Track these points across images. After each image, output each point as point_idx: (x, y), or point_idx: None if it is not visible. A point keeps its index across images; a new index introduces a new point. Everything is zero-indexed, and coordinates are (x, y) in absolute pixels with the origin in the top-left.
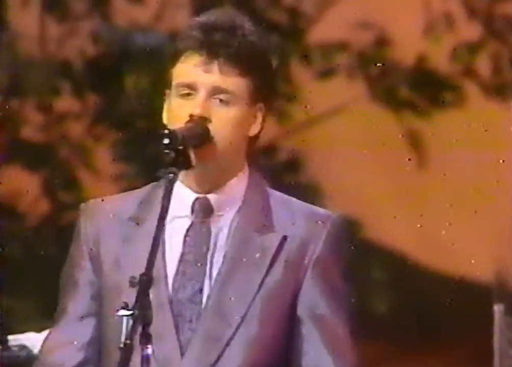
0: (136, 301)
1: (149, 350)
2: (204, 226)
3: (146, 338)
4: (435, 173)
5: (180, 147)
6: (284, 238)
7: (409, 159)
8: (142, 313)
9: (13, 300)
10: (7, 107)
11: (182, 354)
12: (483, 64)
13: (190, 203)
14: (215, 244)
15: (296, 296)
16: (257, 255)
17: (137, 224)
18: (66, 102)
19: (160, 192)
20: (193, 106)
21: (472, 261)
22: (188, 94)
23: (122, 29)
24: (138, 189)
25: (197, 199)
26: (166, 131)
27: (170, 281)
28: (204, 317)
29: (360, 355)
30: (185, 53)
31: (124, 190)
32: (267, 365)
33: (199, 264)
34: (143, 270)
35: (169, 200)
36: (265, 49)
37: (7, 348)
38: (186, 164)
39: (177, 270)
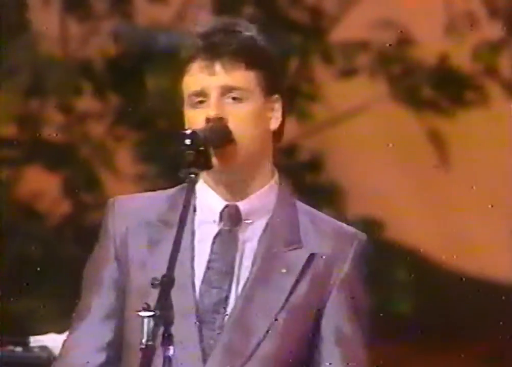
0: (158, 302)
1: (171, 351)
2: (231, 233)
3: (168, 339)
4: (458, 172)
5: (202, 148)
6: (312, 255)
7: (436, 164)
8: (164, 314)
9: (34, 301)
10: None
11: (204, 362)
12: (505, 63)
13: (219, 210)
14: (242, 254)
15: (319, 315)
16: (284, 271)
17: (166, 226)
18: (87, 102)
19: (192, 197)
20: (208, 110)
21: (496, 261)
22: (201, 102)
23: (143, 29)
24: (166, 190)
25: (226, 206)
26: (187, 132)
27: (197, 287)
28: (227, 329)
29: (383, 355)
30: (188, 64)
31: (145, 191)
32: None
33: (225, 273)
34: (181, 281)
35: (189, 201)
36: (265, 42)
37: (29, 349)
38: (207, 165)
39: (204, 277)
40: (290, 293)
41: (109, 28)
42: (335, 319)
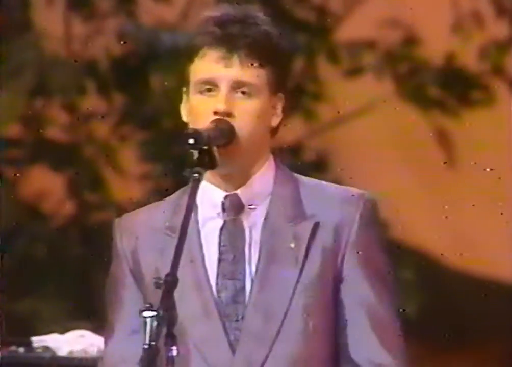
0: (161, 302)
1: (174, 352)
2: (236, 222)
3: (171, 339)
4: (464, 172)
5: (205, 147)
6: (316, 225)
7: (445, 162)
8: (167, 314)
9: (37, 302)
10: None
11: (233, 353)
12: None
13: (220, 202)
14: (250, 240)
15: (337, 282)
16: (292, 245)
17: (173, 232)
18: (91, 102)
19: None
20: (216, 102)
21: (503, 261)
22: (209, 90)
23: (148, 28)
24: (168, 197)
25: (226, 196)
26: (191, 131)
27: (213, 284)
28: (248, 316)
29: None
30: (202, 49)
31: (150, 190)
32: (317, 358)
33: (237, 262)
34: (181, 281)
35: (194, 200)
36: (280, 37)
37: (31, 349)
38: (211, 164)
39: (217, 271)
40: (303, 265)
41: (114, 28)
42: (354, 282)
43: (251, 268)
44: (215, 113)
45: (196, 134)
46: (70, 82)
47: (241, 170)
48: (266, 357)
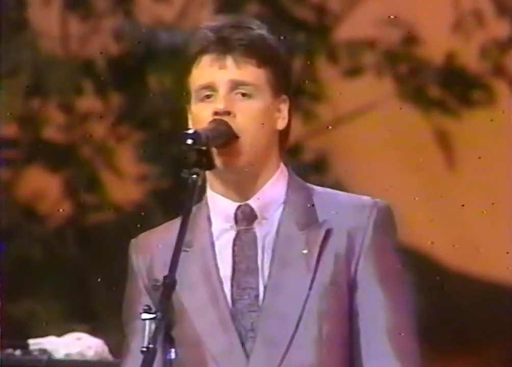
0: (159, 305)
1: (172, 354)
2: (249, 232)
3: (169, 342)
4: (464, 172)
5: (204, 147)
6: (329, 231)
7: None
8: (165, 317)
9: (33, 304)
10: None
11: (247, 363)
12: None
13: (232, 213)
14: (263, 249)
15: (351, 289)
16: (304, 252)
17: (186, 248)
18: (88, 102)
19: (204, 211)
20: (216, 104)
21: (504, 263)
22: (208, 96)
23: (145, 27)
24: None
25: (238, 207)
26: (189, 131)
27: (228, 295)
28: (262, 323)
29: None
30: (198, 58)
31: (148, 191)
32: (331, 365)
33: (251, 272)
34: (197, 293)
35: (191, 201)
36: (276, 41)
37: (28, 352)
38: (209, 165)
39: (232, 282)
40: (315, 273)
41: (111, 27)
42: (368, 289)
43: (264, 276)
44: (215, 113)
45: (194, 134)
46: (66, 82)
47: (249, 177)
48: (280, 364)
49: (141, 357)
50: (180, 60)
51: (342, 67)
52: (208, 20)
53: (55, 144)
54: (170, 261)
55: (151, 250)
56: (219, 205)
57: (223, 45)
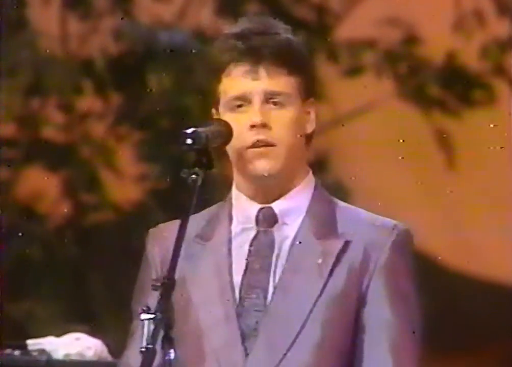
0: (158, 304)
1: (172, 355)
2: (268, 234)
3: (169, 342)
4: (464, 172)
5: (203, 147)
6: (347, 243)
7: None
8: (164, 317)
9: (32, 304)
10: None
11: (245, 361)
12: None
13: (254, 214)
14: (279, 252)
15: (360, 304)
16: (319, 261)
17: (202, 240)
18: (88, 101)
19: (227, 208)
20: (251, 116)
21: (506, 264)
22: (240, 106)
23: (145, 27)
24: (207, 209)
25: (261, 209)
26: (188, 131)
27: (237, 292)
28: (265, 323)
29: None
30: (228, 67)
31: (147, 191)
32: None
33: (263, 272)
34: (207, 287)
35: (191, 201)
36: (301, 44)
37: (27, 352)
38: (209, 165)
39: (242, 280)
40: (327, 281)
41: (111, 26)
42: (377, 307)
43: (275, 278)
44: (252, 127)
45: (194, 134)
46: (66, 81)
47: (277, 182)
48: (278, 365)
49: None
50: (180, 60)
51: (342, 66)
52: (232, 26)
53: (55, 144)
54: (170, 261)
55: (167, 242)
56: (242, 205)
57: (255, 55)
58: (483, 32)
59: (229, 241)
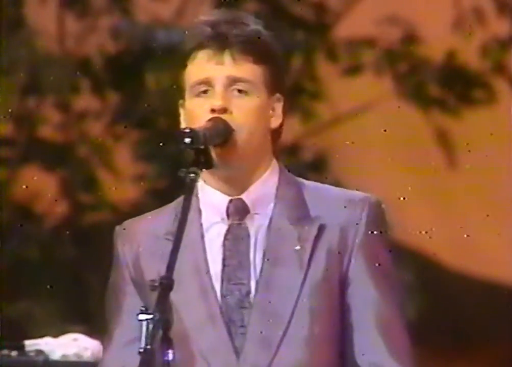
0: (156, 305)
1: (170, 356)
2: (241, 227)
3: (167, 343)
4: (464, 172)
5: (202, 146)
6: (322, 226)
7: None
8: (162, 317)
9: (30, 305)
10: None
11: (237, 360)
12: None
13: (224, 206)
14: (255, 244)
15: (343, 285)
16: (297, 248)
17: (173, 237)
18: (85, 100)
19: (194, 202)
20: (212, 100)
21: (504, 263)
22: (205, 91)
23: (143, 25)
24: (172, 202)
25: (230, 201)
26: (187, 130)
27: (218, 290)
28: (253, 320)
29: None
30: (194, 53)
31: (145, 191)
32: (322, 363)
33: (242, 267)
34: (186, 287)
35: (190, 201)
36: (271, 38)
37: (24, 353)
38: (207, 164)
39: (222, 277)
40: (307, 269)
41: (108, 25)
42: (361, 285)
43: (256, 272)
44: (212, 111)
45: (192, 133)
46: (63, 80)
47: (242, 172)
48: (271, 362)
49: (122, 350)
50: (178, 58)
51: (342, 65)
52: (204, 15)
53: (52, 143)
54: (168, 261)
55: (137, 239)
56: (211, 198)
57: (220, 40)
58: (483, 31)
59: (202, 236)
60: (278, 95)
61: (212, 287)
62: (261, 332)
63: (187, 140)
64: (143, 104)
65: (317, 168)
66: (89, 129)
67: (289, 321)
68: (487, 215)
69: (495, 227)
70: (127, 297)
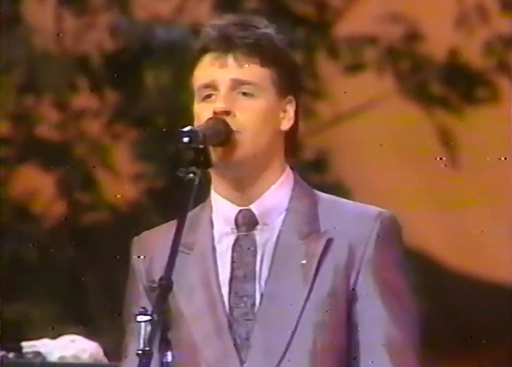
0: (155, 306)
1: (169, 357)
2: (249, 238)
3: (165, 344)
4: (467, 171)
5: (201, 146)
6: (330, 241)
7: (445, 161)
8: (161, 319)
9: (27, 306)
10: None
11: None
12: None
13: (233, 217)
14: (262, 256)
15: (350, 301)
16: (303, 262)
17: (187, 250)
18: (83, 99)
19: (207, 212)
20: (216, 104)
21: (506, 262)
22: (209, 95)
23: (141, 23)
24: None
25: (240, 211)
26: (186, 129)
27: (226, 302)
28: (257, 333)
29: None
30: (200, 56)
31: (144, 190)
32: None
33: (248, 279)
34: (196, 299)
35: (188, 201)
36: (283, 41)
37: (22, 355)
38: (206, 164)
39: (230, 288)
40: (313, 284)
41: (106, 23)
42: (368, 303)
43: (260, 285)
44: (214, 113)
45: (191, 132)
46: (61, 78)
47: (247, 175)
48: None
49: (137, 360)
50: (177, 57)
51: (343, 63)
52: (214, 19)
53: (49, 142)
54: (167, 262)
55: (151, 251)
56: (221, 208)
57: (224, 43)
58: (486, 28)
59: (213, 248)
60: (290, 97)
61: (221, 300)
62: (264, 345)
63: (185, 139)
64: (141, 102)
65: (318, 167)
66: (87, 127)
67: (293, 335)
68: (489, 215)
69: (497, 227)
70: (140, 309)
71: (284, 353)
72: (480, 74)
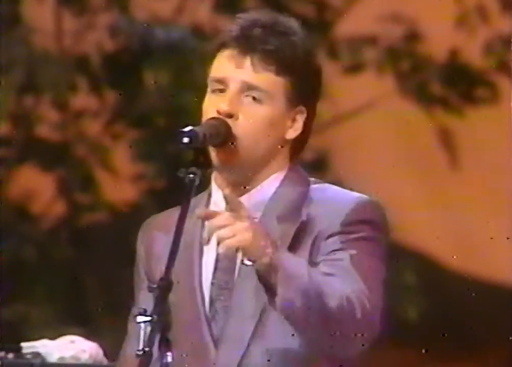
0: (155, 307)
1: (169, 358)
2: None
3: (166, 345)
4: (467, 171)
5: (201, 146)
6: (303, 222)
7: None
8: (161, 319)
9: (26, 306)
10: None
11: (216, 358)
12: None
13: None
14: None
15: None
16: (278, 243)
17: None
18: (82, 99)
19: (204, 198)
20: (221, 102)
21: (506, 264)
22: (221, 90)
23: (141, 23)
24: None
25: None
26: (186, 130)
27: (206, 293)
28: (225, 319)
29: (389, 361)
30: (221, 50)
31: (143, 191)
32: (297, 355)
33: (229, 271)
34: (179, 288)
35: (188, 201)
36: (309, 50)
37: (21, 355)
38: (206, 164)
39: (213, 280)
40: None
41: (106, 23)
42: (336, 256)
43: (240, 275)
44: (218, 113)
45: (191, 133)
46: (60, 78)
47: (243, 178)
48: (242, 357)
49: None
50: (177, 57)
51: (343, 63)
52: (244, 13)
53: (49, 142)
54: (166, 262)
55: (151, 236)
56: (216, 197)
57: (244, 44)
58: (486, 28)
59: (201, 237)
60: (301, 107)
61: (201, 290)
62: (233, 330)
63: (186, 139)
64: (141, 102)
65: (318, 167)
66: (87, 128)
67: (260, 317)
68: (489, 215)
69: (497, 227)
70: (141, 293)
71: (252, 336)
72: (480, 74)
